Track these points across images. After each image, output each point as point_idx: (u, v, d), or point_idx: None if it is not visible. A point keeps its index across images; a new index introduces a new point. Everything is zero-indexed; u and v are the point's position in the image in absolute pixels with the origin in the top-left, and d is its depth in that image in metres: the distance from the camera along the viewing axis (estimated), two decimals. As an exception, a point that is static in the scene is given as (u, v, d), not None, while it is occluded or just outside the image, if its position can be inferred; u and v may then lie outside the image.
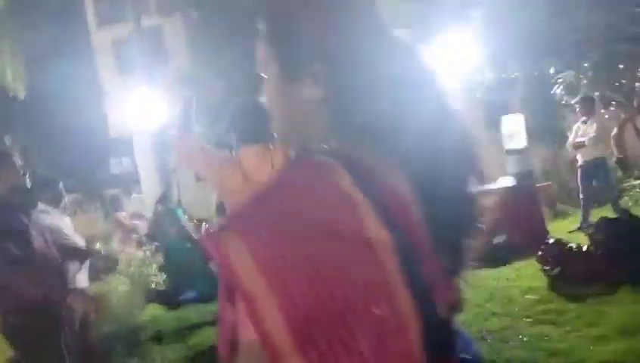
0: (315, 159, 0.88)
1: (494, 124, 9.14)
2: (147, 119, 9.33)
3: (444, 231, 0.94)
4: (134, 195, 11.16)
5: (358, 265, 0.78)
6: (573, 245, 5.71)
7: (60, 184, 5.34)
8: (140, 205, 10.66)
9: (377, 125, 0.92)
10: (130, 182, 15.44)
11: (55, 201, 5.25)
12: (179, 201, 10.20)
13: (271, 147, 2.81)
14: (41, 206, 4.89)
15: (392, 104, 0.93)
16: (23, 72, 10.59)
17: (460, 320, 4.55)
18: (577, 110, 8.43)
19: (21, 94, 10.80)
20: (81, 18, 18.16)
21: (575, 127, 8.47)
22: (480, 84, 8.28)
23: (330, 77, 0.94)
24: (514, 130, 8.26)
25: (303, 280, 0.75)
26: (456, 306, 1.02)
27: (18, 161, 3.74)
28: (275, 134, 2.99)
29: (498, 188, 8.05)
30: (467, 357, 1.06)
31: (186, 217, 8.95)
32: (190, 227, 8.44)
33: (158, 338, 6.06)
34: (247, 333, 0.78)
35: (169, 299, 7.21)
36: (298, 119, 1.00)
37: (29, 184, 3.77)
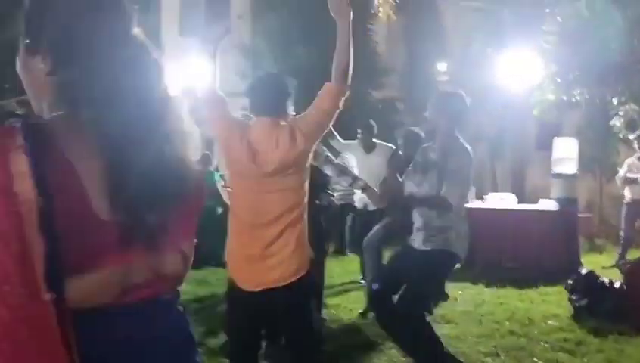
0: (3, 126, 1.03)
1: (546, 145, 8.94)
2: (199, 83, 9.40)
3: (139, 206, 1.12)
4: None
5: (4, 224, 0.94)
6: (605, 280, 5.56)
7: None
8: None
9: (90, 105, 1.12)
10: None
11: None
12: (217, 166, 10.30)
13: (282, 123, 2.79)
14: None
15: (105, 92, 1.12)
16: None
17: (475, 333, 4.45)
18: (635, 145, 8.17)
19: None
20: (154, -27, 18.38)
21: (628, 161, 8.20)
22: (539, 102, 8.10)
23: (54, 56, 1.15)
24: (566, 154, 8.05)
25: None
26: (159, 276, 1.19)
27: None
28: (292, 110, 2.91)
29: (539, 210, 7.92)
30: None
31: (222, 182, 9.01)
32: (224, 192, 8.50)
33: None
34: None
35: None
36: (35, 89, 1.20)
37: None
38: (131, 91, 1.15)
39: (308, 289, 2.89)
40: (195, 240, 5.02)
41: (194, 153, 1.26)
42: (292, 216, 2.76)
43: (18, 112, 1.24)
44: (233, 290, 2.87)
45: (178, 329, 1.29)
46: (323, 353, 3.12)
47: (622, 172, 8.21)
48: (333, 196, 7.36)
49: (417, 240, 3.66)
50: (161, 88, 1.22)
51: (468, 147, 3.57)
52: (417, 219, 3.67)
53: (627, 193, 8.08)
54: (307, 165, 2.86)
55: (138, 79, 1.17)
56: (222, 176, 9.34)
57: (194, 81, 9.24)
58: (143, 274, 1.17)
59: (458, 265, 3.76)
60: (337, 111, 2.82)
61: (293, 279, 2.75)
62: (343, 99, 2.79)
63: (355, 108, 9.73)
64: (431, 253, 3.56)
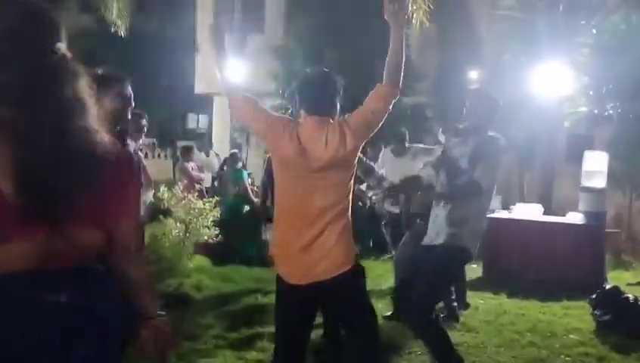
0: None
1: (576, 157, 8.83)
2: (234, 80, 9.50)
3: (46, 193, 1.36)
4: (211, 151, 11.43)
5: None
6: (630, 296, 5.51)
7: (144, 121, 5.51)
8: (212, 161, 10.94)
9: (8, 105, 1.38)
10: (203, 138, 15.81)
11: (137, 134, 5.41)
12: (244, 164, 10.40)
13: (330, 121, 2.84)
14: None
15: (24, 94, 1.38)
16: (128, 11, 10.93)
17: (495, 342, 4.45)
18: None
19: (121, 32, 11.13)
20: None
21: (660, 178, 8.08)
22: (571, 114, 8.03)
23: None
24: (596, 168, 7.95)
25: None
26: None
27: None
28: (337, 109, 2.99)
29: (566, 223, 7.83)
30: None
31: (250, 181, 9.11)
32: (250, 191, 8.60)
33: (198, 287, 6.23)
34: None
35: (216, 254, 7.37)
36: None
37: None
38: (46, 95, 1.40)
39: (356, 281, 2.91)
40: (220, 237, 5.13)
41: (102, 147, 1.48)
42: (336, 211, 2.80)
43: None
44: (279, 283, 2.92)
45: (100, 290, 1.52)
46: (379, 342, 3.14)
47: (653, 188, 8.09)
48: (368, 200, 7.31)
49: (430, 235, 3.70)
50: (73, 92, 1.45)
51: (500, 138, 3.67)
52: (434, 214, 3.70)
53: (657, 210, 7.95)
54: (355, 162, 2.92)
55: (54, 84, 1.42)
56: (249, 174, 9.46)
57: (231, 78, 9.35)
58: (58, 246, 1.41)
59: (477, 268, 3.80)
60: (387, 112, 2.88)
61: (338, 273, 2.78)
62: (393, 101, 2.86)
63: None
64: (441, 250, 3.59)
